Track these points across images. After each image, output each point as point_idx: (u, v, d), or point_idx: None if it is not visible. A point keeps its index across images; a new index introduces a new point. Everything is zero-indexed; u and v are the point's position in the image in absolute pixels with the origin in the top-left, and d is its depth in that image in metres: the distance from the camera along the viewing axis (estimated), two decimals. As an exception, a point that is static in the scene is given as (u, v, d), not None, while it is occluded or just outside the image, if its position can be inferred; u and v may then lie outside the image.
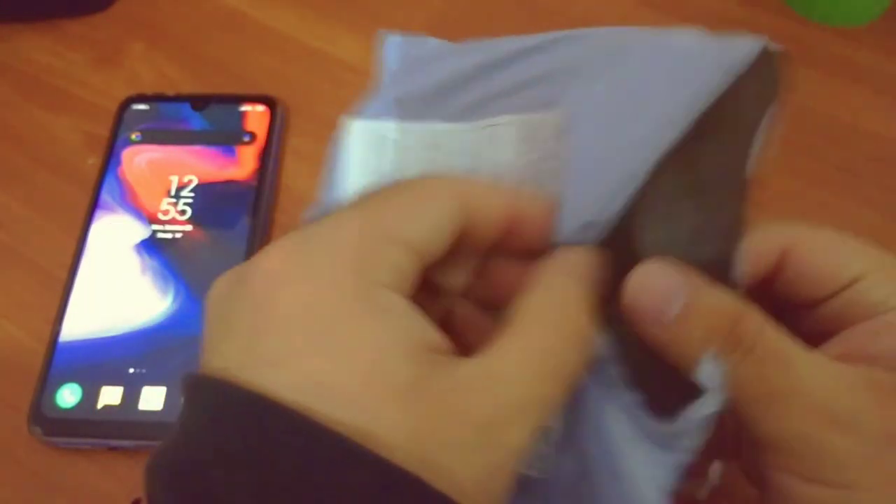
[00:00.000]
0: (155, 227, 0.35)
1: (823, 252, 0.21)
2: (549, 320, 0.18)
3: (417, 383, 0.15)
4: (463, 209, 0.18)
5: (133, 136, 0.38)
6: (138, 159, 0.37)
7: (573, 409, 0.20)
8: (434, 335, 0.17)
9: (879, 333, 0.20)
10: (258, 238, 0.35)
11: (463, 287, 0.21)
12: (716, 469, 0.22)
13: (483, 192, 0.19)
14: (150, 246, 0.35)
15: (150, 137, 0.38)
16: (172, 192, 0.36)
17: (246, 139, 0.38)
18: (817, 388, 0.18)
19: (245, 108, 0.39)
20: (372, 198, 0.18)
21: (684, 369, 0.19)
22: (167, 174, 0.37)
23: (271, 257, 0.17)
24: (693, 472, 0.20)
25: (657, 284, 0.18)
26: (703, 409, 0.19)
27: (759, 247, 0.21)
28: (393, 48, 0.28)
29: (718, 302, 0.19)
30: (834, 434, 0.18)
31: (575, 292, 0.18)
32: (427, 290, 0.19)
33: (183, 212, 0.36)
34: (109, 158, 0.37)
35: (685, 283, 0.18)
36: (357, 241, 0.17)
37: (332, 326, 0.15)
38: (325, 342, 0.15)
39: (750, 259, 0.20)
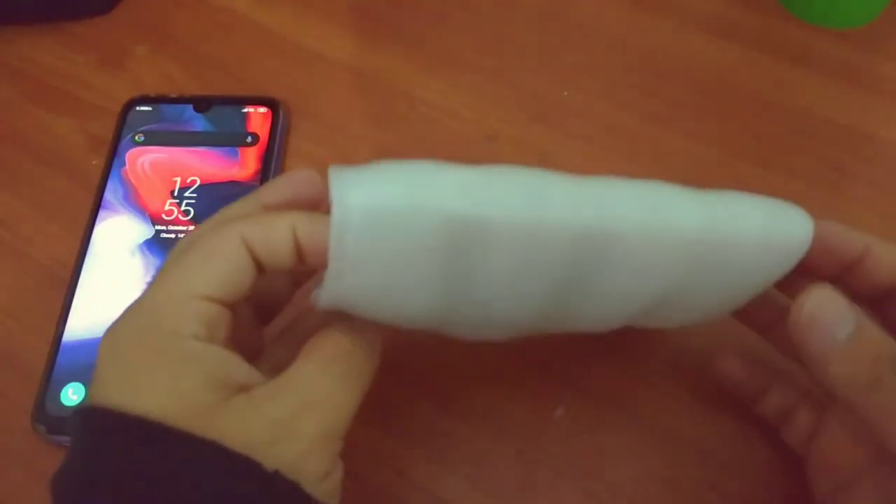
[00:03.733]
0: (158, 227, 0.36)
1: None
2: (314, 358, 0.23)
3: (215, 407, 0.21)
4: (248, 251, 0.22)
5: (136, 138, 0.38)
6: (142, 160, 0.38)
7: None
8: (237, 371, 0.22)
9: None
10: (260, 238, 0.35)
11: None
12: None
13: (262, 230, 0.22)
14: (154, 246, 0.35)
15: (154, 139, 0.38)
16: (175, 193, 0.37)
17: (248, 140, 0.38)
18: None
19: (247, 109, 0.39)
20: (175, 260, 0.23)
21: (842, 383, 0.23)
22: (170, 175, 0.37)
23: (117, 327, 0.22)
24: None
25: (835, 309, 0.23)
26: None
27: (846, 238, 0.25)
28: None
29: (881, 333, 0.23)
30: None
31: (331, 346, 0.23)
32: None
33: (186, 212, 0.36)
34: (113, 159, 0.38)
35: (854, 313, 0.23)
36: (169, 304, 0.22)
37: (145, 370, 0.21)
38: (139, 380, 0.21)
39: (840, 244, 0.24)
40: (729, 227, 0.24)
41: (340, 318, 0.24)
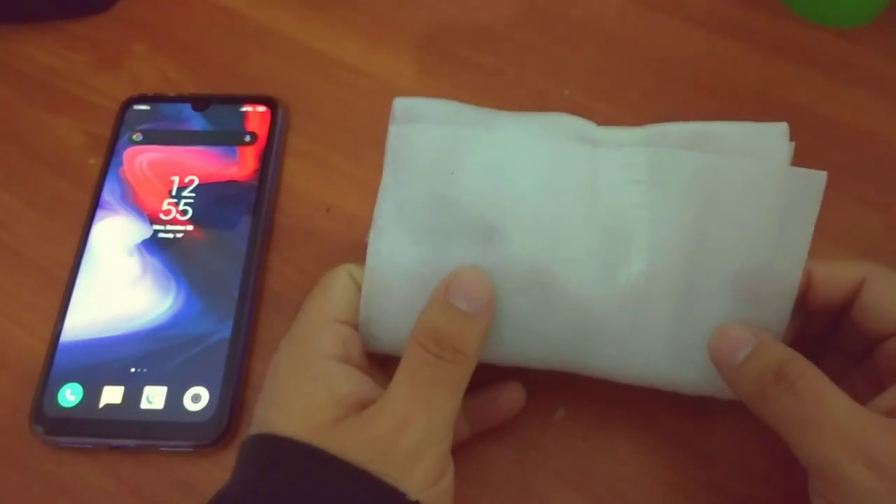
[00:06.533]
0: (156, 227, 0.35)
1: (891, 290, 0.25)
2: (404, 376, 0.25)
3: (332, 425, 0.24)
4: (352, 280, 0.27)
5: (134, 137, 0.38)
6: (139, 159, 0.38)
7: None
8: (362, 389, 0.25)
9: None
10: (259, 238, 0.35)
11: None
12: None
13: (356, 267, 0.28)
14: (152, 246, 0.35)
15: (152, 138, 0.38)
16: (174, 193, 0.36)
17: (247, 139, 0.38)
18: (848, 424, 0.22)
19: (246, 108, 0.39)
20: (308, 298, 0.27)
21: (746, 402, 0.25)
22: (168, 174, 0.37)
23: (275, 356, 0.27)
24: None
25: (733, 337, 0.25)
26: None
27: (839, 274, 0.26)
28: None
29: (774, 350, 0.25)
30: (858, 466, 0.22)
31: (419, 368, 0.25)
32: None
33: (184, 212, 0.36)
34: (111, 158, 0.38)
35: (754, 337, 0.25)
36: (309, 328, 0.26)
37: (288, 391, 0.25)
38: (283, 400, 0.25)
39: (830, 282, 0.26)
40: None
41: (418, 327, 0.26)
